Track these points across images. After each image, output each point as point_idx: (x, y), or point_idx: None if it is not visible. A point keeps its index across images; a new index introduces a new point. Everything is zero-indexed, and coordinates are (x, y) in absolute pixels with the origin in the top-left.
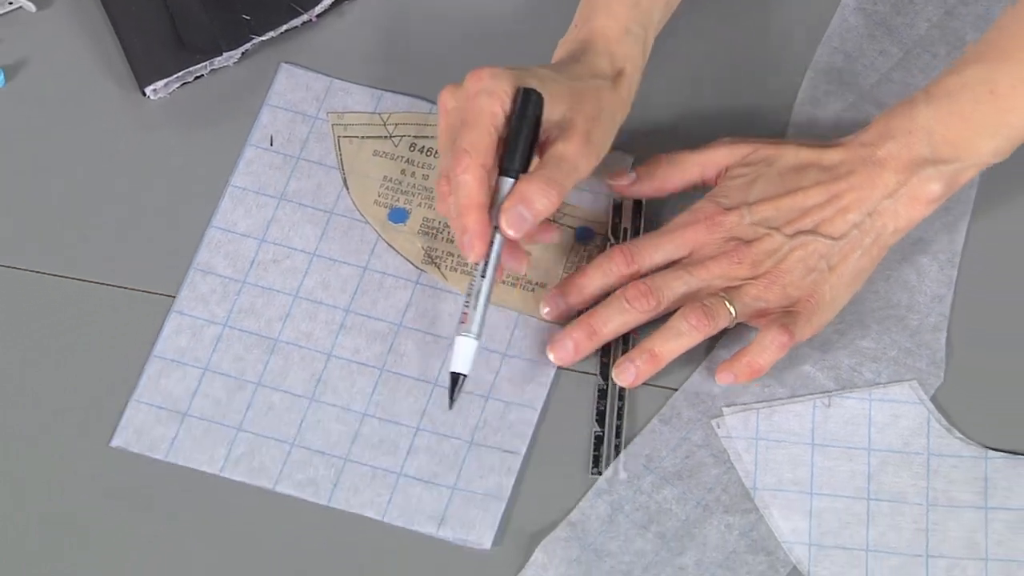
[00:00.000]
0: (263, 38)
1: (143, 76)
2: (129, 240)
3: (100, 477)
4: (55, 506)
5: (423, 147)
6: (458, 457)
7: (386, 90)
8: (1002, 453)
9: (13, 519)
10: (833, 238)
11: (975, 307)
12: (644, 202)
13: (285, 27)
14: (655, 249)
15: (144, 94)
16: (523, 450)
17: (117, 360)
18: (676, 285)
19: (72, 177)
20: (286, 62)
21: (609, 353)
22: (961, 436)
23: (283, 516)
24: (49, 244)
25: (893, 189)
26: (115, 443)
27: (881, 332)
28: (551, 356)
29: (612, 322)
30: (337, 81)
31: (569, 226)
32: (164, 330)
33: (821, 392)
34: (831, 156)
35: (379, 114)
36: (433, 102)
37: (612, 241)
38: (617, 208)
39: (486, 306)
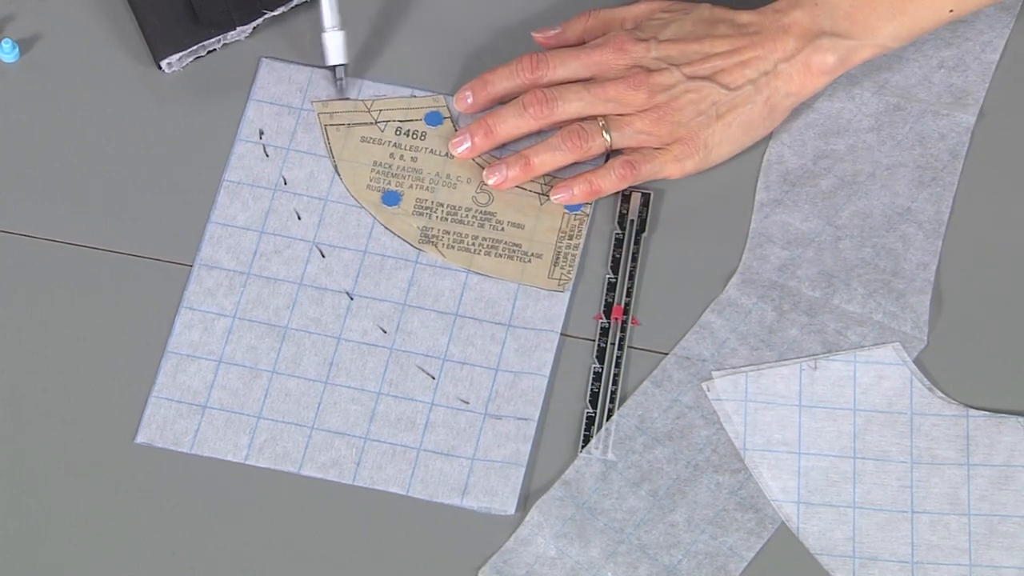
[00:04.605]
0: (274, 13)
1: (159, 50)
2: (142, 214)
3: (129, 474)
4: (87, 507)
5: (408, 130)
6: (474, 429)
7: (365, 78)
8: (983, 412)
9: (46, 524)
10: (727, 88)
11: (958, 274)
12: (652, 194)
13: (296, 2)
14: (561, 62)
15: (159, 67)
16: (536, 416)
17: (131, 357)
18: (572, 98)
19: (85, 149)
20: (266, 56)
21: (607, 336)
22: (943, 396)
23: (311, 498)
24: (60, 216)
25: (791, 54)
26: (140, 440)
27: (867, 296)
28: (452, 150)
29: (507, 123)
30: (318, 71)
31: None
32: (175, 326)
33: (808, 355)
34: (743, 16)
35: (363, 101)
36: (412, 86)
37: (618, 231)
38: (625, 198)
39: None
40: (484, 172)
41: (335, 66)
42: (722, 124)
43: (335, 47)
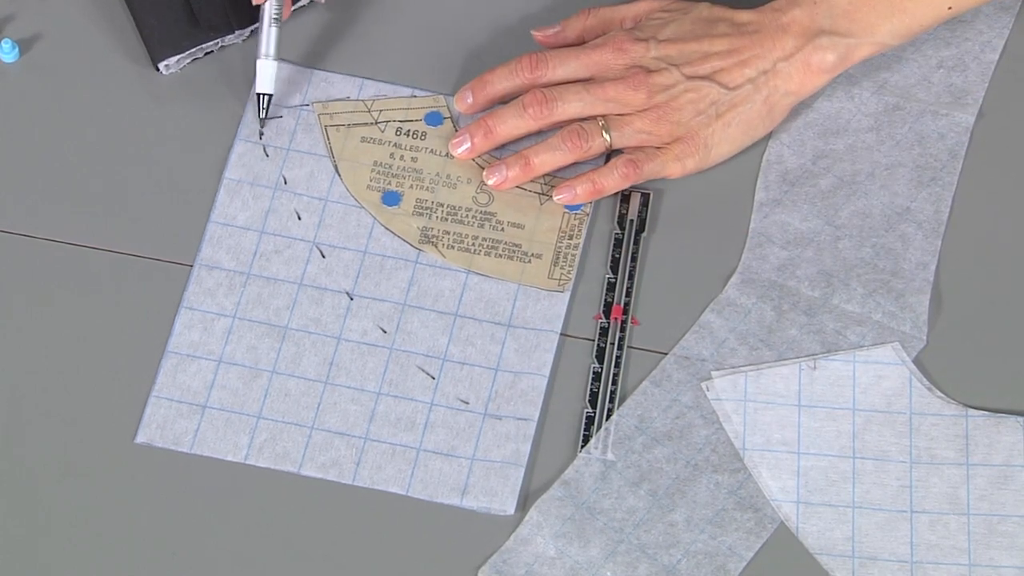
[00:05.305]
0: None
1: (157, 52)
2: (142, 214)
3: (129, 474)
4: (86, 507)
5: (409, 131)
6: (474, 429)
7: (366, 78)
8: (982, 411)
9: (45, 523)
10: (727, 87)
11: (958, 274)
12: (651, 194)
13: (294, 6)
14: (560, 62)
15: (157, 69)
16: (536, 416)
17: (131, 357)
18: (572, 99)
19: (85, 149)
20: None
21: (606, 336)
22: (942, 395)
23: (311, 498)
24: (60, 216)
25: (790, 53)
26: (140, 440)
27: (866, 296)
28: (452, 150)
29: (506, 124)
30: (318, 72)
31: None
32: (175, 326)
33: (807, 355)
34: (742, 15)
35: (363, 101)
36: (412, 87)
37: (618, 231)
38: (625, 198)
39: (278, 29)
40: (484, 173)
41: (260, 95)
42: (722, 123)
43: (265, 76)
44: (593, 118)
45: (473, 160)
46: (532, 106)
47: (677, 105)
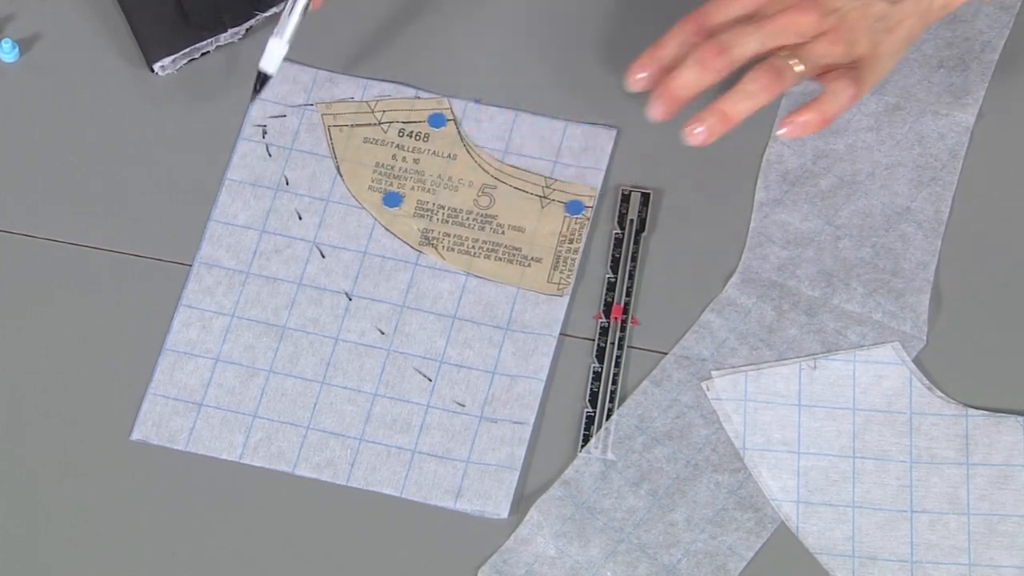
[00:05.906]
0: (267, 14)
1: (151, 53)
2: (142, 214)
3: (123, 471)
4: (80, 503)
5: (411, 132)
6: (469, 432)
7: (371, 78)
8: (982, 411)
9: (39, 519)
10: (891, 2)
11: (957, 273)
12: (651, 193)
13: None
14: (723, 6)
15: (152, 71)
16: (532, 420)
17: (129, 355)
18: (746, 39)
19: (85, 149)
20: None
21: (606, 336)
22: (942, 395)
23: (304, 498)
24: (60, 216)
25: None
26: (135, 436)
27: (866, 296)
28: (652, 118)
29: (689, 86)
30: (323, 72)
31: (559, 201)
32: (174, 323)
33: (807, 355)
34: None
35: (366, 102)
36: (417, 87)
37: (618, 230)
38: (625, 198)
39: (301, 16)
40: (684, 131)
41: (261, 73)
42: (891, 39)
43: (272, 56)
44: (774, 53)
45: (473, 162)
46: (710, 58)
47: (848, 24)
